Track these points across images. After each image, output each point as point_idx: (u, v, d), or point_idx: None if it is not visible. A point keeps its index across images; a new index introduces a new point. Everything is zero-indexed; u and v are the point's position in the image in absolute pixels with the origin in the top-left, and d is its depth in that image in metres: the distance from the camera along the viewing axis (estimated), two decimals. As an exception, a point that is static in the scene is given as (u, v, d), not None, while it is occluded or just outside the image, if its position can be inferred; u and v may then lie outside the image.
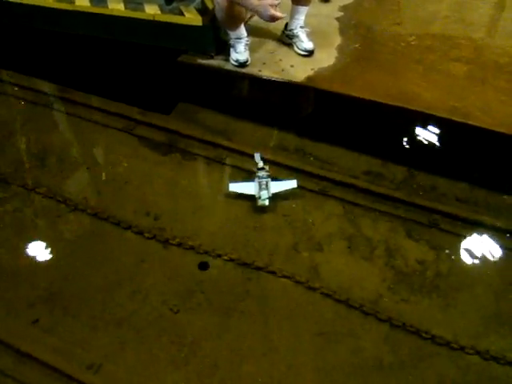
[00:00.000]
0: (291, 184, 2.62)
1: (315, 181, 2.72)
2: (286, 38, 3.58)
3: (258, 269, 2.33)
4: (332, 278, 2.31)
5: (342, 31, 3.77)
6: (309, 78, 3.29)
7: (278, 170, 2.76)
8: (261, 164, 2.67)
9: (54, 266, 2.37)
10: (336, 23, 3.87)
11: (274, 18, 2.84)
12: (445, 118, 2.97)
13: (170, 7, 3.42)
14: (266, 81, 3.33)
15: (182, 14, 3.36)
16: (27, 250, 2.44)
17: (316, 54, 3.49)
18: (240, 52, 3.36)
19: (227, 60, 3.44)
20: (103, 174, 2.82)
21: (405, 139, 3.02)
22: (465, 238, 2.48)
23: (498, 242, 2.46)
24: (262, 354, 2.05)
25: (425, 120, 3.03)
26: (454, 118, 2.95)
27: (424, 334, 2.11)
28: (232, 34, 3.34)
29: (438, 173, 2.77)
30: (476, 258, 2.41)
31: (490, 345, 2.08)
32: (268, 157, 2.82)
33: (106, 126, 3.11)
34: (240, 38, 3.33)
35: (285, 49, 3.58)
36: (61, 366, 2.00)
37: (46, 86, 3.46)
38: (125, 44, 3.66)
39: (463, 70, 3.36)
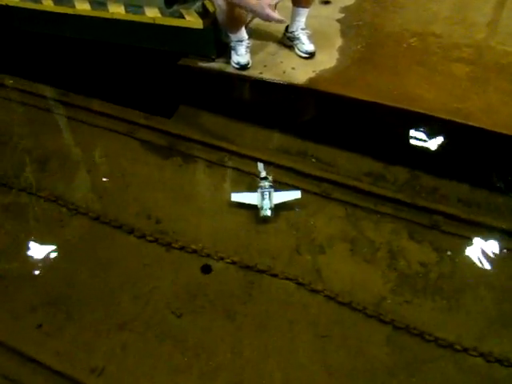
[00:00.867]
0: (295, 195, 2.58)
1: (317, 183, 2.72)
2: (287, 41, 3.59)
3: (261, 271, 2.33)
4: (335, 280, 2.31)
5: (343, 33, 3.78)
6: (310, 80, 3.29)
7: (280, 173, 2.76)
8: (264, 174, 2.64)
9: (56, 270, 2.37)
10: (337, 25, 3.88)
11: (270, 17, 2.81)
12: (447, 119, 2.97)
13: (171, 10, 3.42)
14: (268, 83, 3.34)
15: (182, 17, 3.36)
16: (29, 254, 2.44)
17: (317, 56, 3.50)
18: (241, 55, 3.36)
19: (228, 63, 3.45)
20: (105, 178, 2.82)
21: (407, 141, 3.02)
22: (467, 239, 2.48)
23: (500, 243, 2.45)
24: (265, 356, 2.04)
25: (427, 121, 3.03)
26: (455, 120, 2.95)
27: (427, 336, 2.10)
28: (233, 37, 3.34)
29: (440, 174, 2.77)
30: (479, 259, 2.40)
31: (493, 347, 2.08)
32: (270, 159, 2.82)
33: (107, 130, 3.10)
34: (241, 41, 3.34)
35: (286, 51, 3.59)
36: (64, 370, 2.00)
37: (47, 91, 3.46)
38: (125, 47, 3.67)
39: (465, 71, 3.36)
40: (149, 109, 3.21)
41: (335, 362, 2.03)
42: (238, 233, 2.50)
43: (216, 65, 3.48)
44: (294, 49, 3.56)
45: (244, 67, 3.38)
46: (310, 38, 3.52)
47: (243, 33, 3.34)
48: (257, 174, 2.69)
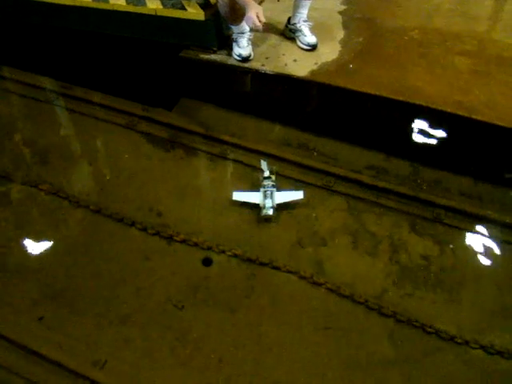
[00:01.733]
0: (297, 195, 2.56)
1: (319, 176, 2.72)
2: (289, 33, 3.57)
3: (263, 264, 2.33)
4: (336, 273, 2.31)
5: (346, 25, 3.77)
6: (312, 73, 3.28)
7: (282, 166, 2.75)
8: (267, 173, 2.61)
9: (57, 263, 2.37)
10: (339, 17, 3.86)
11: (254, 22, 2.86)
12: (449, 112, 2.96)
13: (172, 2, 3.41)
14: (269, 75, 3.33)
15: (184, 8, 3.35)
16: (31, 247, 2.44)
17: (319, 49, 3.49)
18: (243, 47, 3.35)
19: (230, 55, 3.44)
20: (106, 171, 2.82)
21: (408, 134, 3.01)
22: (469, 232, 2.48)
23: (502, 236, 2.46)
24: (266, 349, 2.05)
25: (428, 114, 3.02)
26: (457, 113, 2.95)
27: (428, 329, 2.11)
28: (235, 29, 3.33)
29: (442, 167, 2.76)
30: (480, 252, 2.41)
31: (494, 339, 2.09)
32: (271, 152, 2.81)
33: (108, 122, 3.09)
34: (243, 33, 3.32)
35: (288, 43, 3.58)
36: (66, 363, 2.00)
37: (47, 83, 3.44)
38: (126, 39, 3.65)
39: (467, 63, 3.35)
40: (150, 101, 3.20)
41: (337, 355, 2.04)
42: (239, 225, 2.50)
43: (217, 57, 3.47)
44: (295, 41, 3.55)
45: (246, 59, 3.37)
46: (312, 30, 3.51)
47: (245, 25, 3.33)
48: (258, 167, 2.69)
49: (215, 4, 3.27)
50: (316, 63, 3.35)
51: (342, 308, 2.19)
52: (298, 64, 3.36)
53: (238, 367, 2.00)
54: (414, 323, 2.13)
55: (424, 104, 3.00)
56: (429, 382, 1.97)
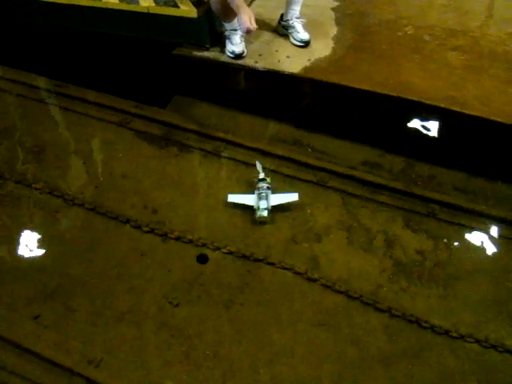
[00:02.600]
0: (292, 197, 2.53)
1: (313, 172, 2.72)
2: (282, 29, 3.57)
3: (257, 260, 2.33)
4: (331, 268, 2.31)
5: (338, 21, 3.77)
6: (305, 69, 3.28)
7: (276, 162, 2.76)
8: (262, 175, 2.59)
9: (52, 261, 2.36)
10: (332, 13, 3.86)
11: (245, 24, 2.88)
12: (442, 107, 2.97)
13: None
14: (263, 72, 3.32)
15: (176, 6, 3.34)
16: (25, 245, 2.43)
17: (312, 45, 3.48)
18: (236, 44, 3.34)
19: (223, 52, 3.43)
20: (100, 169, 2.81)
21: (402, 129, 3.02)
22: (463, 227, 2.49)
23: (495, 230, 2.47)
24: (262, 345, 2.05)
25: (422, 110, 3.03)
26: (451, 108, 2.96)
27: (423, 324, 2.12)
28: (228, 26, 3.32)
29: (436, 162, 2.78)
30: (474, 247, 2.42)
31: (489, 333, 2.10)
32: (265, 149, 2.81)
33: (101, 120, 3.09)
34: (236, 30, 3.32)
35: (281, 40, 3.57)
36: (62, 361, 2.00)
37: (40, 81, 3.43)
38: (119, 38, 3.64)
39: (460, 59, 3.36)
40: (144, 99, 3.19)
41: (332, 350, 2.04)
42: (234, 222, 2.50)
43: (210, 54, 3.46)
44: (288, 37, 3.54)
45: (239, 56, 3.36)
46: (305, 26, 3.50)
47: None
48: (252, 163, 2.69)
49: (208, 1, 3.26)
50: (309, 60, 3.35)
51: (337, 304, 2.20)
52: (291, 60, 3.36)
53: (234, 363, 2.00)
54: (409, 318, 2.14)
55: (417, 99, 3.00)
56: (424, 377, 1.98)
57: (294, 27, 3.48)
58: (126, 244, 2.42)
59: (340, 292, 2.22)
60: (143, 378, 1.96)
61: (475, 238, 2.45)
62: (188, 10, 3.31)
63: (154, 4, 3.38)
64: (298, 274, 2.28)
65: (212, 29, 3.47)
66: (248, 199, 2.53)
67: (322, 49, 3.46)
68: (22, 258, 2.39)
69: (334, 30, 3.66)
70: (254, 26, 2.90)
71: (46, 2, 3.64)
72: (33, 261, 2.37)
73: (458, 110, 2.94)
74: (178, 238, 2.42)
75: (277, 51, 3.46)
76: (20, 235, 2.48)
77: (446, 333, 2.09)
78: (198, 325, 2.11)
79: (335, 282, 2.25)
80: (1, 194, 2.67)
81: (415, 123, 3.02)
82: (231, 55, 3.37)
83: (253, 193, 2.54)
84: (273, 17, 3.67)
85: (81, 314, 2.15)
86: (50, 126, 3.09)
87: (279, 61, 3.36)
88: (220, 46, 3.47)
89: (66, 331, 2.10)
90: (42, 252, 2.40)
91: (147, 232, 2.45)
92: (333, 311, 2.17)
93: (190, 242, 2.41)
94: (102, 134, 3.02)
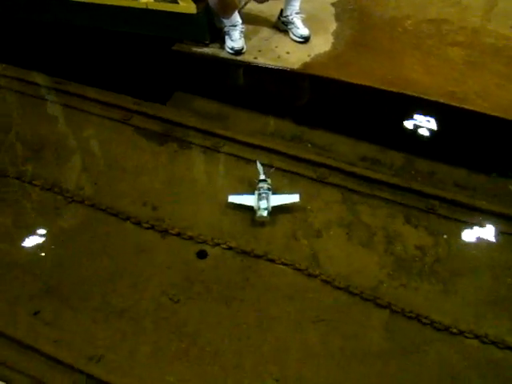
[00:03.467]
0: (293, 198, 2.50)
1: (313, 168, 2.71)
2: (282, 25, 3.56)
3: (257, 257, 2.33)
4: (331, 264, 2.31)
5: (338, 17, 3.76)
6: (305, 65, 3.28)
7: (276, 158, 2.75)
8: (263, 176, 2.57)
9: (53, 258, 2.36)
10: (332, 9, 3.85)
11: None
12: (442, 103, 2.97)
13: (164, -5, 3.39)
14: (262, 68, 3.32)
15: (175, 1, 3.34)
16: (26, 242, 2.43)
17: (312, 41, 3.48)
18: (235, 40, 3.34)
19: (222, 48, 3.43)
20: (100, 165, 2.81)
21: (402, 125, 3.01)
22: (463, 223, 2.48)
23: (496, 226, 2.47)
24: (262, 341, 2.05)
25: (422, 105, 3.02)
26: (451, 103, 2.96)
27: (424, 320, 2.12)
28: (227, 22, 3.32)
29: (436, 158, 2.77)
30: (474, 243, 2.42)
31: (488, 329, 2.09)
32: (265, 145, 2.81)
33: (101, 117, 3.08)
34: (235, 26, 3.31)
35: (280, 35, 3.57)
36: (62, 357, 2.00)
37: (40, 78, 3.42)
38: (119, 34, 3.64)
39: (460, 54, 3.35)
40: (143, 95, 3.19)
41: (332, 346, 2.04)
42: (234, 218, 2.50)
43: (210, 50, 3.46)
44: (288, 33, 3.54)
45: (238, 52, 3.36)
46: (305, 22, 3.50)
47: (237, 17, 3.32)
48: (252, 159, 2.69)
49: (207, -3, 3.26)
50: (309, 55, 3.35)
51: (338, 300, 2.19)
52: (290, 56, 3.35)
53: (234, 359, 2.00)
54: (409, 314, 2.13)
55: (417, 95, 3.00)
56: (424, 373, 1.98)
57: (293, 23, 3.47)
58: (126, 240, 2.42)
59: (340, 288, 2.22)
60: (143, 374, 1.96)
61: (475, 233, 2.44)
62: (187, 6, 3.30)
63: (152, 0, 3.37)
64: (298, 270, 2.28)
65: (211, 25, 3.46)
66: (248, 200, 2.50)
67: (322, 44, 3.45)
68: (21, 254, 2.39)
69: (333, 26, 3.65)
70: None
71: (46, -2, 3.64)
72: (32, 257, 2.37)
73: (459, 105, 2.94)
74: (177, 235, 2.42)
75: (276, 47, 3.46)
76: (20, 232, 2.48)
77: (446, 329, 2.09)
78: (198, 321, 2.12)
79: (335, 278, 2.25)
80: (1, 191, 2.67)
81: (415, 119, 3.01)
82: (231, 51, 3.37)
83: (253, 193, 2.52)
84: (272, 12, 3.66)
85: (81, 311, 2.16)
86: (50, 123, 3.09)
87: (279, 57, 3.36)
88: (219, 42, 3.47)
89: (67, 327, 2.10)
90: (41, 249, 2.41)
91: (147, 228, 2.45)
92: (333, 307, 2.16)
93: (190, 238, 2.40)
94: (101, 130, 3.02)
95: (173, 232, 2.42)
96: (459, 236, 2.44)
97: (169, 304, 2.17)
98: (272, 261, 2.31)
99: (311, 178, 2.67)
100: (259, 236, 2.42)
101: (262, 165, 2.66)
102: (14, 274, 2.30)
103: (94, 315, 2.14)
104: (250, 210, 2.49)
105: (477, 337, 2.07)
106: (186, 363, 1.99)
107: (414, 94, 3.01)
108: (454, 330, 2.09)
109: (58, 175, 2.74)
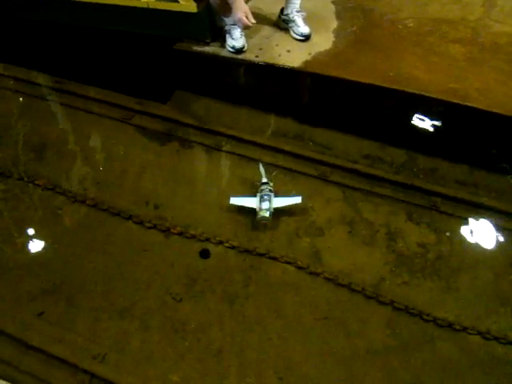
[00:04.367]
0: (295, 200, 2.49)
1: (314, 166, 2.72)
2: (282, 23, 3.56)
3: (260, 255, 2.34)
4: (334, 262, 2.32)
5: (339, 15, 3.75)
6: (306, 63, 3.28)
7: (277, 157, 2.76)
8: (265, 179, 2.55)
9: (55, 258, 2.37)
10: (332, 7, 3.85)
11: (241, 22, 2.94)
12: (443, 100, 2.96)
13: (165, -6, 3.39)
14: (263, 66, 3.32)
15: (176, 0, 3.33)
16: (28, 242, 2.44)
17: (313, 39, 3.48)
18: (236, 38, 3.34)
19: (223, 46, 3.43)
20: (102, 165, 2.82)
21: (404, 122, 3.01)
22: (465, 220, 2.49)
23: (498, 223, 2.47)
24: (265, 339, 2.06)
25: (423, 102, 3.02)
26: (452, 100, 2.95)
27: (426, 316, 2.12)
28: (227, 21, 3.31)
29: (438, 155, 2.77)
30: (476, 239, 2.42)
31: (491, 325, 2.10)
32: (267, 143, 2.81)
33: (103, 117, 3.09)
34: (236, 24, 3.31)
35: (281, 34, 3.57)
36: (66, 357, 2.01)
37: (41, 78, 3.43)
38: (120, 33, 3.64)
39: (462, 51, 3.35)
40: (144, 94, 3.19)
41: (335, 344, 2.05)
42: (236, 217, 2.50)
43: (211, 49, 3.46)
44: (289, 31, 3.53)
45: (239, 51, 3.36)
46: (306, 20, 3.49)
47: (238, 16, 3.31)
48: (253, 158, 2.69)
49: (208, -4, 3.26)
50: (310, 53, 3.35)
51: (340, 297, 2.20)
52: (291, 55, 3.35)
53: (237, 358, 2.01)
54: (412, 311, 2.14)
55: (419, 92, 3.00)
56: (427, 369, 1.99)
57: (294, 21, 3.47)
58: (129, 240, 2.42)
59: (343, 285, 2.23)
60: (147, 372, 1.97)
61: (477, 230, 2.45)
62: (188, 5, 3.30)
63: (153, -1, 3.37)
64: (301, 268, 2.29)
65: (212, 23, 3.46)
66: (250, 202, 2.49)
67: (323, 42, 3.45)
68: (24, 254, 2.40)
69: (334, 24, 3.65)
70: (251, 21, 2.90)
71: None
72: (36, 257, 2.38)
73: (460, 102, 2.93)
74: (180, 234, 2.43)
75: (277, 45, 3.45)
76: (23, 232, 2.49)
77: (449, 325, 2.10)
78: (202, 320, 2.12)
79: (338, 276, 2.25)
80: (3, 191, 2.68)
81: (416, 116, 3.01)
82: (231, 50, 3.37)
83: (254, 195, 2.51)
84: (273, 11, 3.66)
85: (84, 310, 2.17)
86: (51, 122, 3.10)
87: (280, 55, 3.35)
88: (220, 41, 3.46)
89: (70, 327, 2.11)
90: (44, 248, 2.42)
91: (149, 228, 2.46)
92: (335, 305, 2.17)
93: (193, 237, 2.41)
94: (103, 130, 3.02)
95: (175, 231, 2.43)
96: (461, 233, 2.44)
97: (172, 303, 2.18)
98: (274, 259, 2.32)
99: (313, 176, 2.68)
100: (261, 234, 2.42)
101: (265, 164, 2.66)
102: (18, 275, 2.30)
103: (97, 314, 2.15)
104: (252, 211, 2.48)
105: (479, 333, 2.08)
106: (190, 361, 2.00)
107: (415, 91, 3.00)
108: (457, 327, 2.09)
109: (60, 175, 2.75)
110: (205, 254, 2.36)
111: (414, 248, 2.37)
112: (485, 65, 3.24)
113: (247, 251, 2.35)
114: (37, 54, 3.66)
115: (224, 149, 2.84)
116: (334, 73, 3.17)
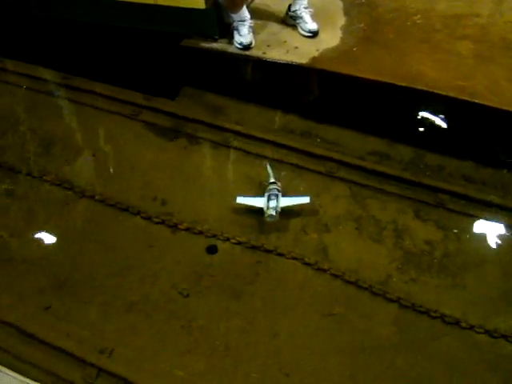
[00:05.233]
0: (303, 200, 2.47)
1: (322, 163, 2.71)
2: (290, 20, 3.55)
3: (267, 251, 2.34)
4: (341, 259, 2.31)
5: (347, 11, 3.74)
6: (313, 59, 3.27)
7: (285, 153, 2.76)
8: (272, 179, 2.53)
9: (63, 252, 2.38)
10: (340, 3, 3.83)
11: None
12: (451, 97, 2.95)
13: (172, -10, 3.39)
14: (271, 63, 3.32)
15: (184, -3, 3.33)
16: (36, 237, 2.46)
17: (320, 35, 3.47)
18: (244, 35, 3.34)
19: (231, 43, 3.43)
20: (109, 161, 2.82)
21: (411, 119, 3.01)
22: (472, 217, 2.48)
23: (505, 220, 2.46)
24: (272, 335, 2.06)
25: (431, 99, 3.01)
26: (460, 97, 2.94)
27: (433, 314, 2.12)
28: (235, 17, 3.31)
29: (445, 152, 2.76)
30: (483, 237, 2.41)
31: (498, 323, 2.09)
32: (274, 139, 2.81)
33: (110, 113, 3.09)
34: (243, 21, 3.31)
35: (289, 30, 3.56)
36: (74, 351, 2.03)
37: (49, 74, 3.44)
38: (127, 29, 3.64)
39: (470, 48, 3.33)
40: (152, 90, 3.19)
41: (342, 341, 2.05)
42: (243, 213, 2.50)
43: (219, 45, 3.46)
44: (297, 28, 3.53)
45: (247, 47, 3.36)
46: (313, 16, 3.49)
47: (245, 12, 3.31)
48: (260, 154, 2.69)
49: (216, -8, 3.26)
50: (317, 50, 3.34)
51: (347, 294, 2.20)
52: (299, 51, 3.34)
53: (244, 353, 2.01)
54: (419, 308, 2.14)
55: (426, 89, 2.99)
56: (434, 367, 1.98)
57: (302, 17, 3.46)
58: (136, 235, 2.43)
59: (349, 282, 2.23)
60: (154, 367, 1.98)
61: (485, 228, 2.44)
62: (196, 1, 3.29)
63: (161, -5, 3.37)
64: (308, 264, 2.29)
65: (220, 20, 3.46)
66: (257, 201, 2.47)
67: (331, 39, 3.44)
68: (32, 249, 2.41)
69: (342, 20, 3.64)
70: None
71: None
72: (43, 252, 2.39)
73: (468, 99, 2.92)
74: (187, 229, 2.43)
75: (285, 42, 3.45)
76: (31, 227, 2.51)
77: (456, 323, 2.09)
78: (208, 315, 2.13)
79: (344, 273, 2.25)
80: (11, 187, 2.69)
81: (424, 113, 3.00)
82: (239, 46, 3.37)
83: (261, 195, 2.49)
84: (280, 7, 3.65)
85: (92, 305, 2.18)
86: (58, 118, 3.11)
87: (287, 51, 3.35)
88: (228, 37, 3.46)
89: (78, 321, 2.12)
90: (52, 243, 2.43)
91: (157, 223, 2.47)
92: (342, 301, 2.17)
93: (200, 233, 2.41)
94: (110, 126, 3.03)
95: (182, 227, 2.44)
96: (468, 230, 2.43)
97: (179, 298, 2.18)
98: (281, 255, 2.32)
99: (320, 173, 2.67)
100: (269, 231, 2.42)
101: (272, 160, 2.66)
102: (26, 269, 2.32)
103: (104, 309, 2.16)
104: (259, 209, 2.47)
105: (486, 331, 2.07)
106: (196, 357, 2.01)
107: (423, 88, 2.99)
108: (464, 325, 2.09)
109: (68, 171, 2.76)
110: (212, 249, 2.36)
111: (421, 245, 2.36)
112: (493, 62, 3.22)
113: (254, 247, 2.35)
114: (44, 51, 3.67)
115: (231, 145, 2.84)
116: (341, 69, 3.16)
